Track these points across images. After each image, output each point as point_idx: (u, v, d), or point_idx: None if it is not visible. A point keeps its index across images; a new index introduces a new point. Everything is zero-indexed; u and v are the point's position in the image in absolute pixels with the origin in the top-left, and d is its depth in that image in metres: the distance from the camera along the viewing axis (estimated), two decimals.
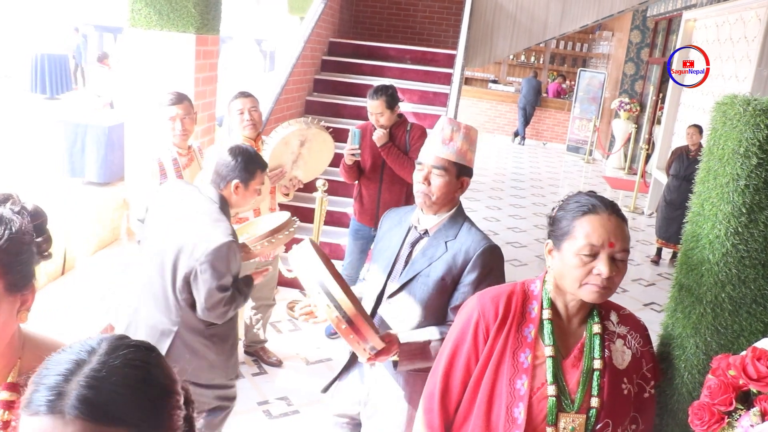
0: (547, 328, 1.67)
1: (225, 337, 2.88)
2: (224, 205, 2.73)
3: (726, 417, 1.74)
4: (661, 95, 11.92)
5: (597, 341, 1.67)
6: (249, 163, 2.74)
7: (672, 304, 2.08)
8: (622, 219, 1.63)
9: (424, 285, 2.24)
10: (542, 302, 1.71)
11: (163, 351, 2.66)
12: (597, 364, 1.64)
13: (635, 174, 11.19)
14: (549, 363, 1.64)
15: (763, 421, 1.65)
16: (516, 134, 16.29)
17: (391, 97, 4.35)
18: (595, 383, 1.63)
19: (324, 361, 4.58)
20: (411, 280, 2.26)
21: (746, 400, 1.75)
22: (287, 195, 4.07)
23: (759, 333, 1.94)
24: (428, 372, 2.13)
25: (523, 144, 16.06)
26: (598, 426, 1.61)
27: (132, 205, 3.53)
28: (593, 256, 1.58)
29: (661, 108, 11.01)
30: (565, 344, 1.69)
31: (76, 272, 4.37)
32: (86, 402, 0.84)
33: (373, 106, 4.34)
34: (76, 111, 9.48)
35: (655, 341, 2.23)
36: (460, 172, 2.26)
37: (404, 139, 4.47)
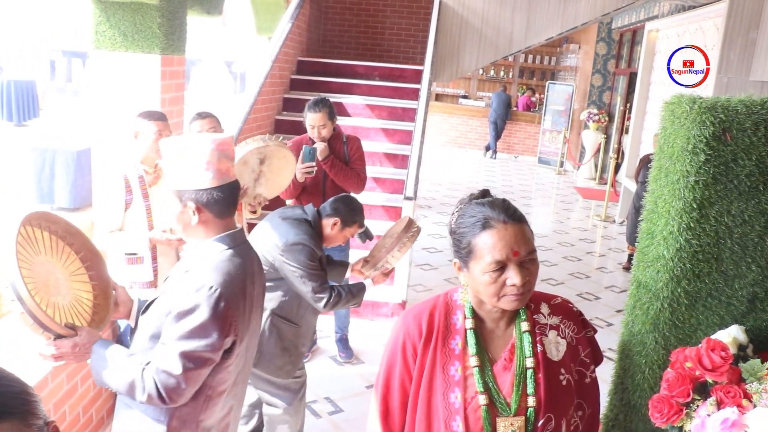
0: (471, 338, 1.65)
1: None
2: (316, 226, 3.25)
3: (684, 408, 1.78)
4: (628, 105, 12.11)
5: (527, 339, 1.65)
6: (354, 214, 3.31)
7: (631, 302, 2.11)
8: (518, 220, 1.60)
9: (152, 312, 2.04)
10: (465, 312, 1.69)
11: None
12: (529, 362, 1.63)
13: (606, 183, 11.33)
14: (475, 372, 1.62)
15: (719, 409, 1.69)
16: (487, 148, 16.44)
17: (330, 108, 4.41)
18: (530, 382, 1.61)
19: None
20: (151, 303, 2.07)
21: (703, 391, 1.79)
22: (254, 212, 4.07)
23: (715, 326, 1.98)
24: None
25: (495, 158, 16.20)
26: (540, 423, 1.60)
27: (97, 221, 3.50)
28: (502, 269, 1.56)
29: (629, 118, 11.18)
30: (495, 349, 1.68)
31: None
32: None
33: (316, 118, 4.36)
34: (43, 137, 9.43)
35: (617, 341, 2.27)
36: (180, 198, 2.01)
37: (342, 150, 4.54)
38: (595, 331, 1.78)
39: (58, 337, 1.91)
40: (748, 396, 1.69)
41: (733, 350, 1.81)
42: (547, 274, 7.32)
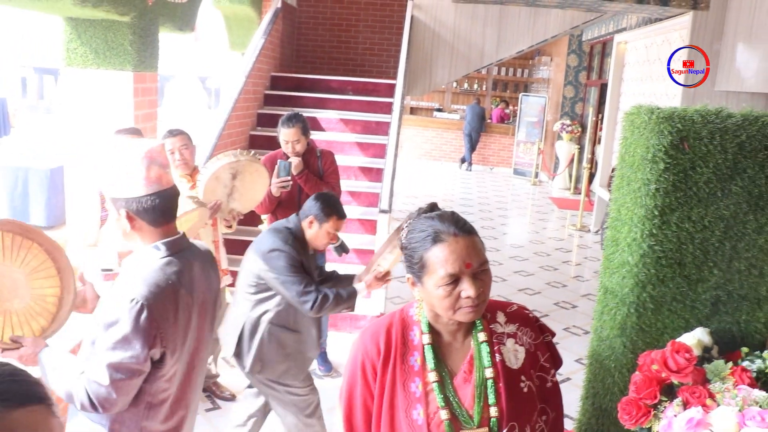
0: (429, 353, 1.65)
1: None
2: (297, 231, 3.26)
3: (652, 410, 1.82)
4: (600, 116, 12.28)
5: (485, 349, 1.65)
6: (326, 207, 3.26)
7: (599, 308, 2.16)
8: (469, 232, 1.60)
9: (92, 319, 2.02)
10: (421, 327, 1.68)
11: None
12: (488, 372, 1.62)
13: (580, 193, 11.46)
14: (435, 387, 1.62)
15: (685, 410, 1.74)
16: (463, 161, 16.54)
17: (304, 123, 4.43)
18: (490, 392, 1.61)
19: None
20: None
21: (670, 392, 1.84)
22: (230, 227, 4.08)
23: (681, 329, 2.03)
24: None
25: (470, 170, 16.30)
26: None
27: (71, 238, 3.50)
28: (455, 282, 1.56)
29: (601, 128, 11.33)
30: (454, 362, 1.67)
31: None
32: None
33: (290, 133, 4.37)
34: (15, 155, 9.34)
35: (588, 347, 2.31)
36: (114, 206, 2.03)
37: (317, 165, 4.57)
38: (553, 335, 1.79)
39: (6, 350, 1.99)
40: (712, 396, 1.74)
41: (697, 352, 1.86)
42: (524, 284, 7.38)
